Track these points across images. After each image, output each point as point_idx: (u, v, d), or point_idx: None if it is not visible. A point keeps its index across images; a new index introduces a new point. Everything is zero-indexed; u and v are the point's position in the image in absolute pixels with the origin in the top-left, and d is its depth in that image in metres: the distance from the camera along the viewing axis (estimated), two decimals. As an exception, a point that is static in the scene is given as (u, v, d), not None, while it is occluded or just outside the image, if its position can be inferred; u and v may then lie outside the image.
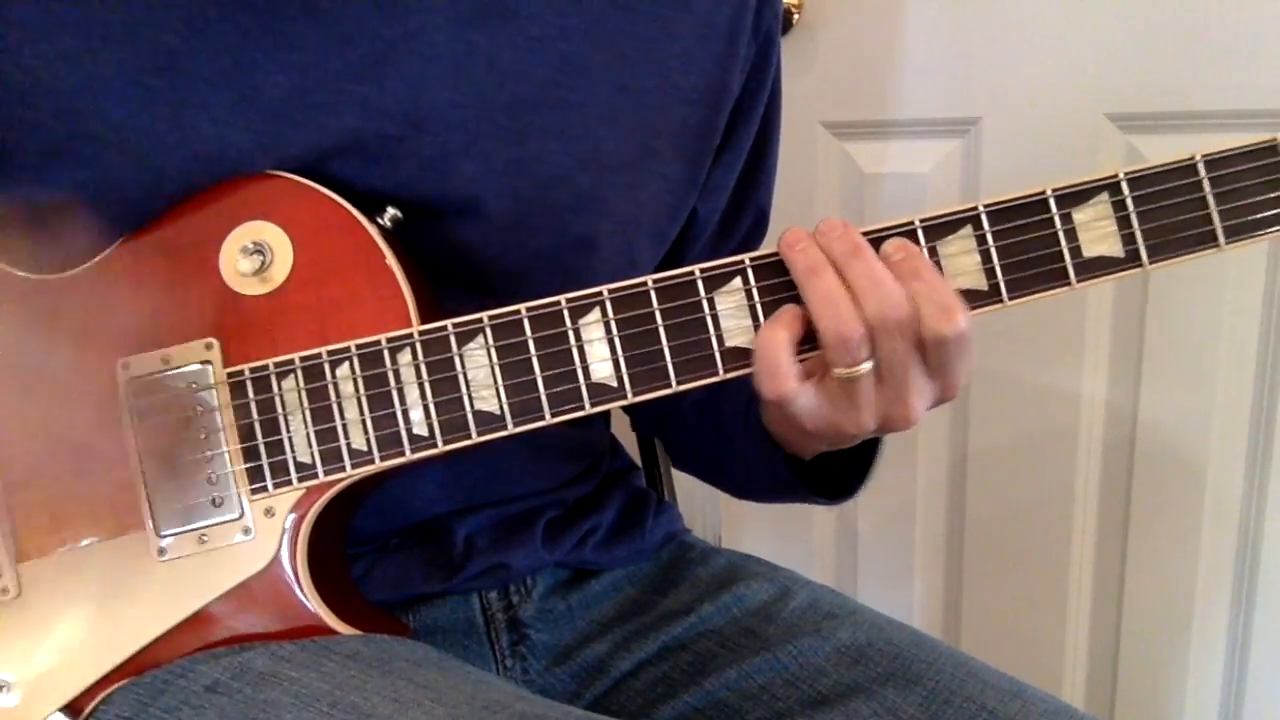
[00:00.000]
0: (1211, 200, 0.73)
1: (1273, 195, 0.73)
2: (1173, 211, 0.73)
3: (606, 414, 1.00)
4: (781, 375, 0.72)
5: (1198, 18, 1.32)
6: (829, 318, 0.70)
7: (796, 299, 0.73)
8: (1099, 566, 1.55)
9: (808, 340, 0.73)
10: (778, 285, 0.74)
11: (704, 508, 1.82)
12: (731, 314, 0.74)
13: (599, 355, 0.73)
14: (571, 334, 0.73)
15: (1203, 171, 0.73)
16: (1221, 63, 1.32)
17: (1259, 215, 0.73)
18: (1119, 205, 0.73)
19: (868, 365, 0.71)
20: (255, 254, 0.74)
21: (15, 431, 0.76)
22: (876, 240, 0.72)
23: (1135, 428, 1.47)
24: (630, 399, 0.74)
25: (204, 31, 0.74)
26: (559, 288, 0.74)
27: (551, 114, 0.82)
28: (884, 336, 0.70)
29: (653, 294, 0.73)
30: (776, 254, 0.73)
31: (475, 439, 0.74)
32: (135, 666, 0.74)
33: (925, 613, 1.69)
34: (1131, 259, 0.74)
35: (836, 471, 0.88)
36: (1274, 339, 1.37)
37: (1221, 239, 0.73)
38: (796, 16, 1.51)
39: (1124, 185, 0.73)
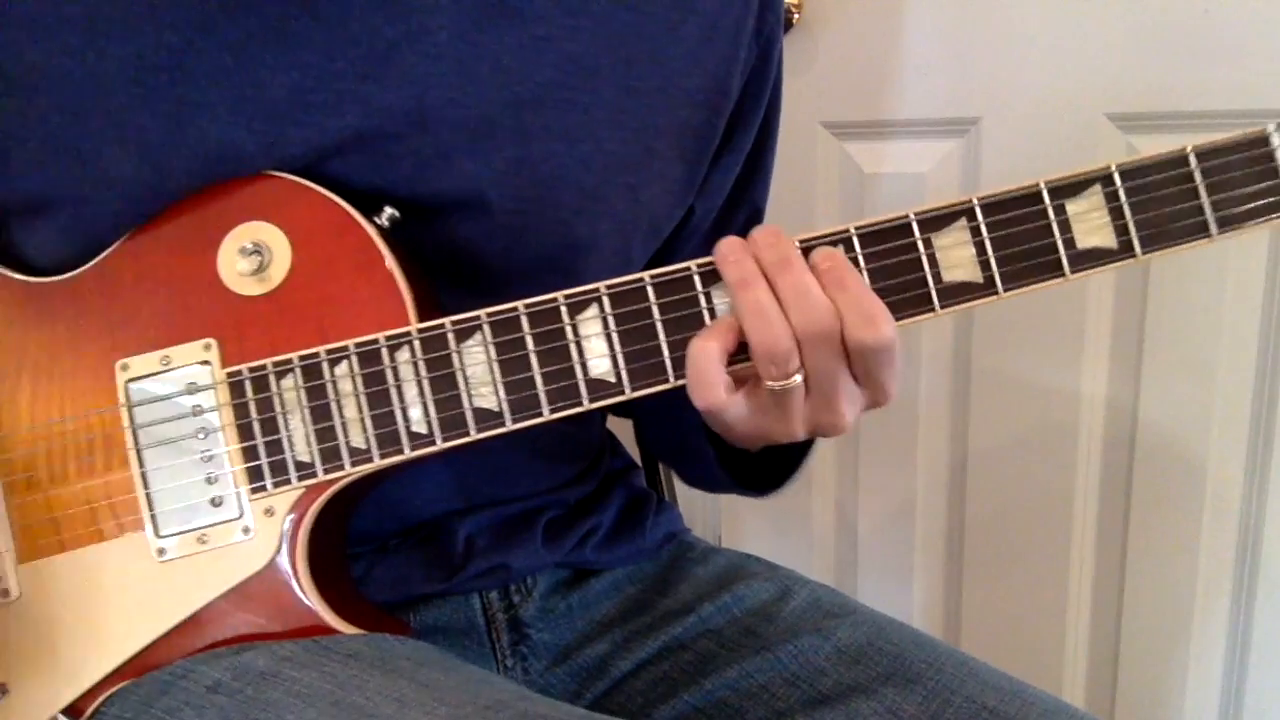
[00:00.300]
0: (1203, 191, 0.73)
1: (1263, 185, 0.74)
2: (1165, 202, 0.74)
3: (604, 413, 1.01)
4: (711, 386, 0.72)
5: (1197, 18, 1.32)
6: (758, 331, 0.70)
7: None
8: (1099, 566, 1.55)
9: (742, 350, 0.72)
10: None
11: (704, 507, 1.82)
12: (728, 309, 0.74)
13: (597, 351, 0.74)
14: (569, 330, 0.74)
15: (1194, 163, 0.73)
16: (1221, 63, 1.32)
17: (1250, 205, 0.74)
18: (1112, 196, 0.74)
19: (798, 377, 0.71)
20: (254, 254, 0.74)
21: (15, 433, 0.76)
22: (810, 247, 0.73)
23: (1135, 426, 1.47)
24: (629, 394, 0.74)
25: (206, 29, 0.74)
26: (556, 287, 0.74)
27: (555, 114, 0.82)
28: (810, 348, 0.70)
29: (650, 290, 0.74)
30: None
31: (474, 436, 0.74)
32: (136, 668, 0.74)
33: (925, 613, 1.69)
34: (1125, 250, 0.74)
35: (774, 463, 0.90)
36: (1274, 337, 1.37)
37: (1213, 229, 0.74)
38: (796, 16, 1.51)
39: (1116, 177, 0.74)
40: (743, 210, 1.01)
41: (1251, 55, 1.31)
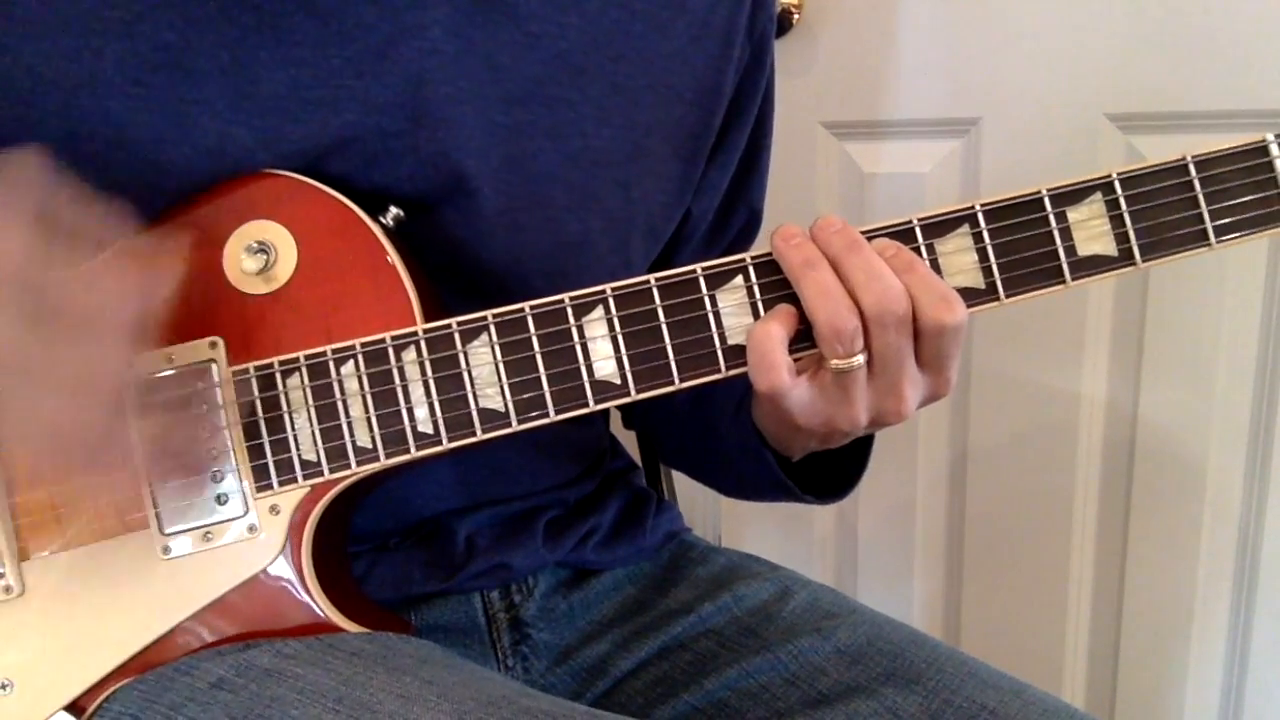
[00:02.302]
0: (1202, 200, 0.74)
1: (1261, 195, 0.74)
2: (1165, 211, 0.74)
3: (606, 413, 1.01)
4: (775, 368, 0.72)
5: (1198, 18, 1.32)
6: (825, 310, 0.71)
7: (797, 299, 0.73)
8: (1099, 566, 1.55)
9: (801, 339, 0.73)
10: (779, 283, 0.74)
11: (704, 507, 1.82)
12: (733, 312, 0.74)
13: (602, 353, 0.74)
14: (575, 332, 0.74)
15: (1193, 171, 0.74)
16: (1221, 63, 1.32)
17: (1249, 215, 0.74)
18: (1112, 204, 0.74)
19: (861, 358, 0.72)
20: (259, 253, 0.74)
21: (19, 428, 0.76)
22: (870, 238, 0.73)
23: (1135, 427, 1.47)
24: (633, 396, 0.74)
25: (203, 28, 0.74)
26: (554, 287, 0.74)
27: (544, 111, 0.83)
28: (880, 329, 0.71)
29: (655, 292, 0.74)
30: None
31: (480, 436, 0.74)
32: (139, 664, 0.74)
33: (925, 613, 1.69)
34: (1125, 257, 0.74)
35: (826, 471, 0.89)
36: (1274, 339, 1.37)
37: (1212, 238, 0.74)
38: (796, 16, 1.51)
39: (1117, 185, 0.74)
40: (739, 213, 1.01)
41: (1251, 55, 1.31)
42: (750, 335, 0.73)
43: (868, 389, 0.73)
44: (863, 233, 0.73)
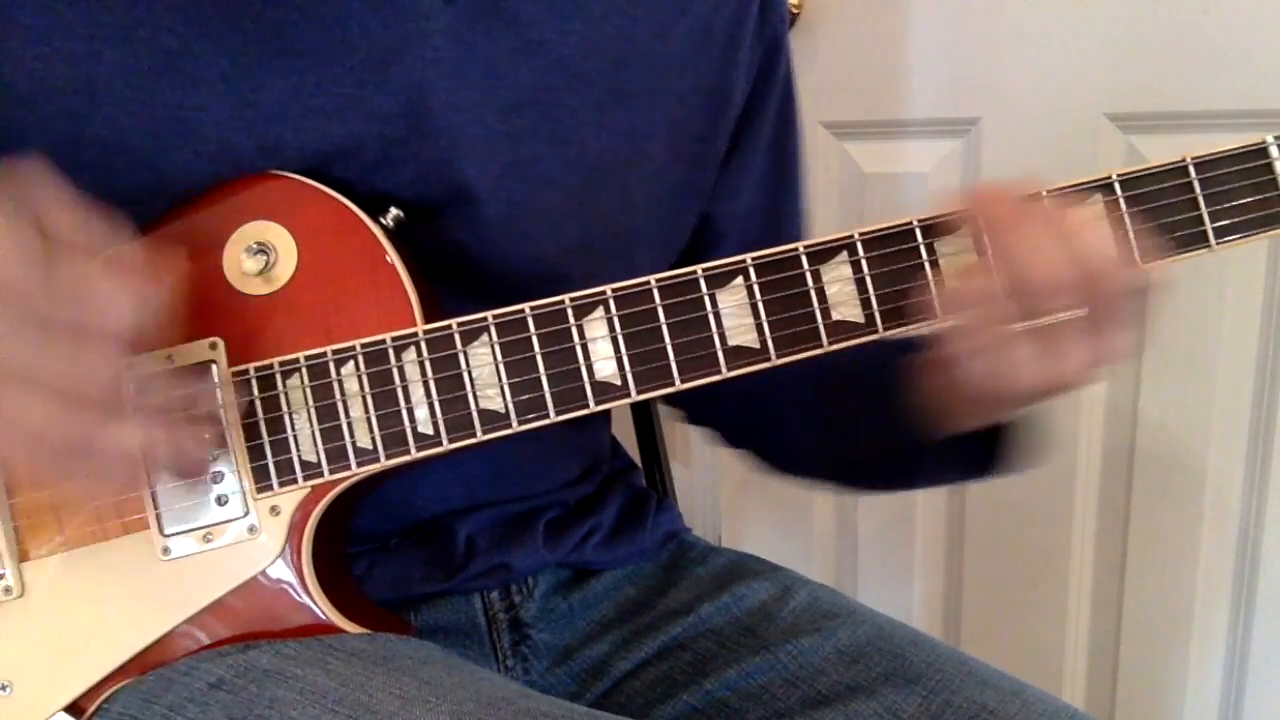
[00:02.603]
0: (1202, 201, 0.74)
1: (1261, 197, 0.74)
2: (1165, 212, 0.74)
3: (607, 414, 1.01)
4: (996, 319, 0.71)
5: (1198, 18, 1.33)
6: (1041, 264, 0.69)
7: (798, 299, 0.73)
8: (1099, 566, 1.55)
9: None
10: (779, 283, 0.74)
11: (704, 507, 1.82)
12: (733, 312, 0.74)
13: (602, 354, 0.74)
14: (575, 333, 0.74)
15: (1193, 173, 0.74)
16: (1221, 63, 1.32)
17: (1248, 216, 0.74)
18: (1112, 206, 0.74)
19: (1076, 311, 0.70)
20: (259, 254, 0.74)
21: (18, 429, 0.75)
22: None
23: (1135, 428, 1.47)
24: (634, 397, 0.74)
25: (204, 34, 0.74)
26: (556, 292, 0.74)
27: (544, 117, 0.83)
28: (1093, 281, 0.70)
29: (655, 293, 0.74)
30: (776, 252, 0.74)
31: (480, 437, 0.74)
32: (139, 665, 0.74)
33: (925, 613, 1.69)
34: (1125, 260, 0.74)
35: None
36: (1274, 339, 1.37)
37: (1212, 239, 0.74)
38: (796, 16, 1.51)
39: (1117, 186, 0.74)
40: (786, 214, 1.01)
41: (1251, 55, 1.31)
42: (959, 294, 0.72)
43: (1079, 341, 0.72)
44: (776, 253, 0.73)
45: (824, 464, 1.00)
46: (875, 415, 0.89)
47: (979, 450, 0.86)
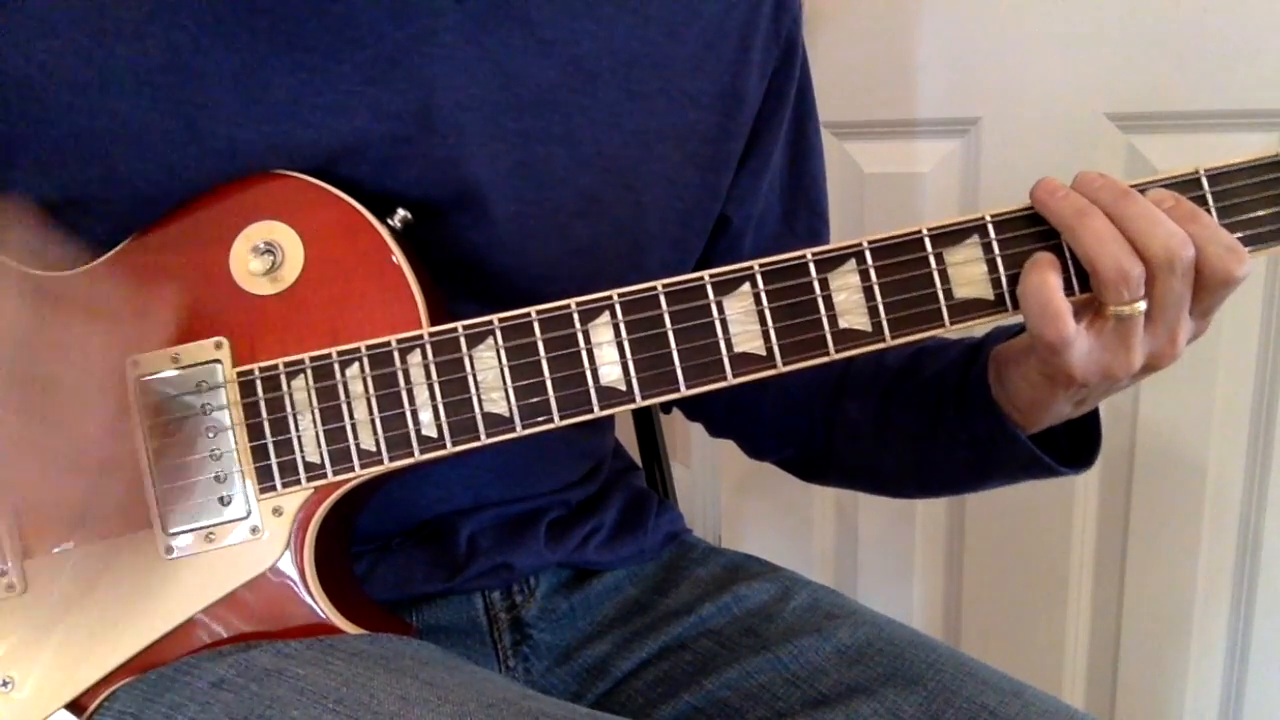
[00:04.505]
0: (1215, 213, 0.74)
1: (1275, 210, 0.74)
2: None
3: (611, 417, 1.01)
4: (1060, 315, 0.72)
5: (1198, 18, 1.32)
6: (1108, 256, 0.71)
7: (805, 306, 0.73)
8: (1099, 566, 1.55)
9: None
10: (786, 290, 0.74)
11: (704, 508, 1.82)
12: (740, 319, 0.74)
13: (608, 359, 0.74)
14: (581, 337, 0.74)
15: (1206, 185, 0.74)
16: (1221, 63, 1.32)
17: (1262, 229, 0.74)
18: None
19: (1143, 304, 0.71)
20: (266, 254, 0.74)
21: (23, 428, 0.76)
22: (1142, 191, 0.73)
23: (1135, 428, 1.47)
24: (639, 402, 0.74)
25: (214, 31, 0.74)
26: (564, 293, 0.74)
27: (555, 117, 0.83)
28: (1166, 274, 0.71)
29: (662, 298, 0.74)
30: (784, 259, 0.74)
31: (484, 441, 0.74)
32: (140, 664, 0.74)
33: (925, 613, 1.69)
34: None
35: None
36: (1274, 339, 1.37)
37: None
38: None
39: None
40: (800, 218, 1.01)
41: (1251, 55, 1.31)
42: (1024, 290, 0.73)
43: (1145, 335, 0.73)
44: (784, 260, 0.74)
45: (911, 477, 0.99)
46: (956, 421, 0.88)
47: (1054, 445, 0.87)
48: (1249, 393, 1.41)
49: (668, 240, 0.91)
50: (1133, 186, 0.73)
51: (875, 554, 1.71)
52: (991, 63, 1.45)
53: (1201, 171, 0.74)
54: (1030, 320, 0.73)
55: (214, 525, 0.74)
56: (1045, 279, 0.72)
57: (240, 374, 0.74)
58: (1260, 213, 0.74)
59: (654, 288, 0.74)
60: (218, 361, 0.74)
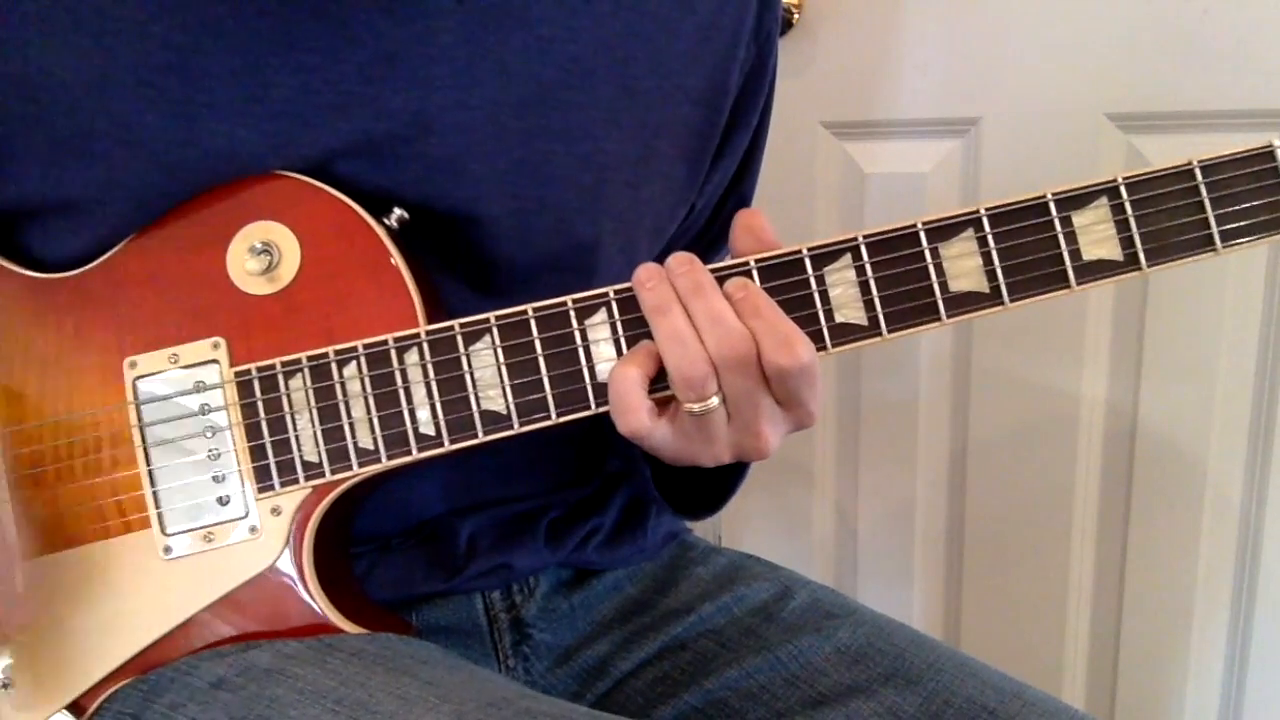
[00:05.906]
0: (1208, 205, 0.74)
1: (1268, 200, 0.74)
2: (1170, 215, 0.74)
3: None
4: (634, 411, 0.72)
5: (1198, 18, 1.32)
6: (674, 355, 0.71)
7: (801, 302, 0.73)
8: (1099, 566, 1.55)
9: (662, 376, 0.73)
10: (782, 286, 0.74)
11: (704, 507, 1.82)
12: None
13: (605, 355, 0.74)
14: (578, 334, 0.74)
15: (1199, 176, 0.74)
16: (1221, 63, 1.32)
17: (1255, 220, 0.74)
18: (1118, 209, 0.74)
19: (715, 400, 0.72)
20: (263, 253, 0.74)
21: (22, 428, 0.76)
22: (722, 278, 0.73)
23: (1135, 427, 1.47)
24: None
25: (214, 31, 0.74)
26: (562, 289, 0.75)
27: (555, 115, 0.83)
28: (728, 372, 0.71)
29: (659, 296, 0.74)
30: (779, 254, 0.74)
31: (482, 438, 0.74)
32: (140, 664, 0.75)
33: (925, 613, 1.69)
34: (1130, 262, 0.74)
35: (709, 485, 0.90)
36: (1274, 339, 1.37)
37: (1218, 243, 0.74)
38: (796, 16, 1.51)
39: (1122, 189, 0.74)
40: (730, 203, 1.01)
41: (1251, 55, 1.31)
42: (610, 377, 0.73)
43: (726, 428, 0.74)
44: (716, 270, 0.74)
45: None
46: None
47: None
48: (1249, 392, 1.41)
49: (657, 233, 0.92)
50: (714, 270, 0.73)
51: (875, 554, 1.71)
52: (991, 63, 1.45)
53: (1195, 163, 0.74)
54: (611, 409, 0.74)
55: (213, 525, 0.74)
56: (626, 372, 0.72)
57: (238, 374, 0.74)
58: (1254, 203, 0.74)
59: None
60: (215, 361, 0.74)
